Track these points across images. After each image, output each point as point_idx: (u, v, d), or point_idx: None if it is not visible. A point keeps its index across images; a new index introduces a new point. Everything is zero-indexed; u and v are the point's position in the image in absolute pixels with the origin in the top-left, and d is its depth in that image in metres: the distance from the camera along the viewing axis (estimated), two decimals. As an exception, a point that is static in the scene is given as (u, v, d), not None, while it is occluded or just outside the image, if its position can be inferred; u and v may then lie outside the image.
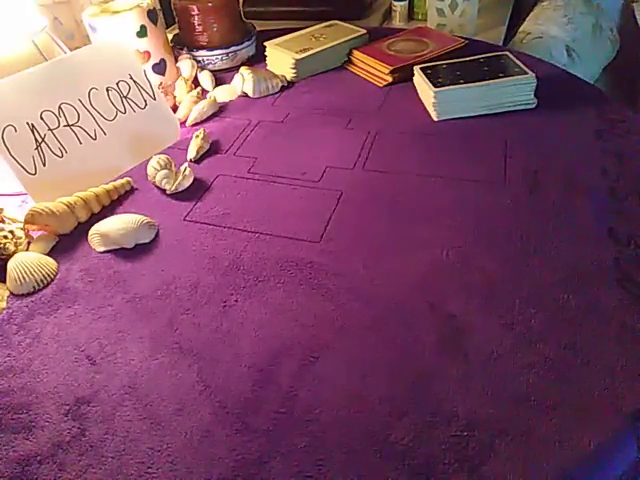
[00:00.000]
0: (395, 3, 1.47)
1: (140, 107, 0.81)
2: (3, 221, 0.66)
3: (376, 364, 0.48)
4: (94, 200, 0.69)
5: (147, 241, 0.65)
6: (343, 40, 1.00)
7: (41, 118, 0.71)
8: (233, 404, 0.46)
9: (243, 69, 0.94)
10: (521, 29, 1.53)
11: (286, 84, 0.96)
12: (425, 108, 0.84)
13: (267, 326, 0.53)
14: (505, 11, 1.49)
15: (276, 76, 0.95)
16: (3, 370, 0.52)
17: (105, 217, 0.67)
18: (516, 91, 0.80)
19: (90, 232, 0.65)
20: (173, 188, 0.71)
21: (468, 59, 0.87)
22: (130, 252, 0.64)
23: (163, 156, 0.73)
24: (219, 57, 1.01)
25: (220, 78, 1.00)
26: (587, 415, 0.43)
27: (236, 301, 0.56)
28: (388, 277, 0.56)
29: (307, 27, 1.06)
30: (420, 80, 0.85)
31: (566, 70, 0.93)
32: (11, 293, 0.60)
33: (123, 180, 0.74)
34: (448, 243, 0.60)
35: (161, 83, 0.93)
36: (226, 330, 0.53)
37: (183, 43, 1.03)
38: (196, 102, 0.89)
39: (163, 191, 0.73)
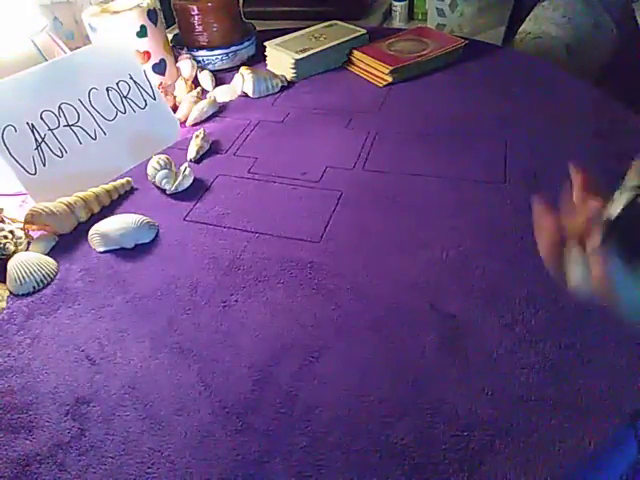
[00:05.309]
0: (395, 3, 1.47)
1: (140, 107, 0.81)
2: (3, 221, 0.66)
3: (376, 364, 0.48)
4: (94, 200, 0.69)
5: (147, 241, 0.65)
6: (343, 40, 1.00)
7: (41, 118, 0.71)
8: (233, 404, 0.46)
9: (243, 69, 0.94)
10: (521, 29, 1.53)
11: (286, 84, 0.96)
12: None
13: (267, 326, 0.53)
14: (505, 11, 1.49)
15: (276, 76, 0.95)
16: (3, 370, 0.51)
17: (105, 217, 0.67)
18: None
19: (90, 232, 0.65)
20: (173, 188, 0.71)
21: None
22: (130, 252, 0.64)
23: (163, 156, 0.73)
24: (219, 57, 1.01)
25: (220, 78, 1.00)
26: (587, 415, 0.43)
27: (236, 301, 0.56)
28: (388, 277, 0.56)
29: (307, 27, 1.06)
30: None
31: (566, 70, 0.93)
32: (11, 293, 0.60)
33: (123, 180, 0.74)
34: (448, 243, 0.59)
35: (161, 83, 0.93)
36: (226, 330, 0.53)
37: (183, 43, 1.03)
38: (196, 102, 0.89)
39: (163, 191, 0.73)
